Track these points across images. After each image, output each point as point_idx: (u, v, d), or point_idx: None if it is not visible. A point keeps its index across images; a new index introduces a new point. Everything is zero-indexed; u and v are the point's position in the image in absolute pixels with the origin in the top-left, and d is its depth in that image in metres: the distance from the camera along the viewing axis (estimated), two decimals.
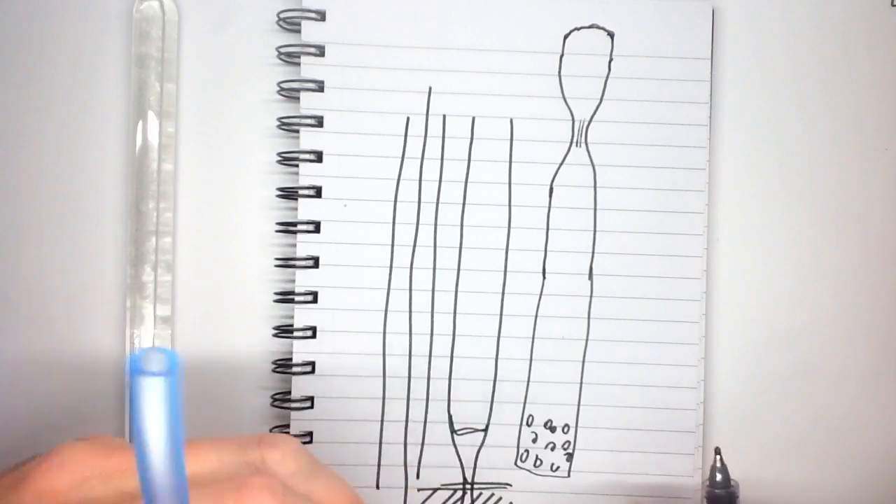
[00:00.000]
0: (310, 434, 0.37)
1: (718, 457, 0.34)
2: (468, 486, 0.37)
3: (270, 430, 0.37)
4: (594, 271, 0.37)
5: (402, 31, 0.37)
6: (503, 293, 0.37)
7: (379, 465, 0.37)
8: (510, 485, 0.37)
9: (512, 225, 0.37)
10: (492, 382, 0.37)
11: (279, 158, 0.37)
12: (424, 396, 0.37)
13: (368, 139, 0.37)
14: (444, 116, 0.37)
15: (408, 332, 0.37)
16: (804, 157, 0.38)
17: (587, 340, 0.37)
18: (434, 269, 0.37)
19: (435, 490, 0.37)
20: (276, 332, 0.37)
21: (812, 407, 0.38)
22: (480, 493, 0.37)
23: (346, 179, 0.37)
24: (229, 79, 0.37)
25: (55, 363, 0.37)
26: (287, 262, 0.37)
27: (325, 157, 0.37)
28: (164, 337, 0.37)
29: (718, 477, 0.34)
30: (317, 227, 0.37)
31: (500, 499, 0.38)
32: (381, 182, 0.37)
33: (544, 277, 0.37)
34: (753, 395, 0.38)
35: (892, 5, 0.39)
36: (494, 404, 0.37)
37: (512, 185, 0.37)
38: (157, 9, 0.37)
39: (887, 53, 0.39)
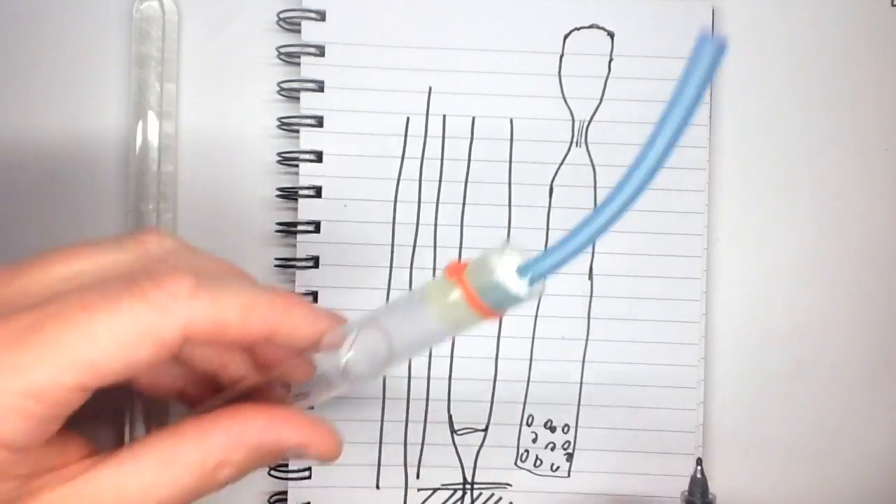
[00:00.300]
0: None
1: (699, 468, 0.34)
2: (468, 486, 0.37)
3: None
4: (594, 271, 0.37)
5: (402, 31, 0.37)
6: None
7: (379, 465, 0.37)
8: (510, 485, 0.37)
9: (512, 225, 0.37)
10: (492, 382, 0.37)
11: (279, 158, 0.37)
12: (424, 396, 0.37)
13: (368, 139, 0.37)
14: (444, 116, 0.37)
15: None
16: (804, 157, 0.38)
17: (587, 340, 0.37)
18: (434, 269, 0.37)
19: (435, 490, 0.37)
20: None
21: (811, 407, 0.38)
22: (480, 493, 0.37)
23: (346, 179, 0.37)
24: (229, 79, 0.37)
25: None
26: (287, 263, 0.37)
27: (325, 157, 0.37)
28: None
29: (697, 489, 0.34)
30: (317, 227, 0.37)
31: (500, 499, 0.38)
32: (381, 182, 0.37)
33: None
34: (753, 395, 0.38)
35: (893, 5, 0.39)
36: (494, 404, 0.37)
37: (512, 185, 0.37)
38: (157, 9, 0.37)
39: (887, 53, 0.39)
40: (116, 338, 0.21)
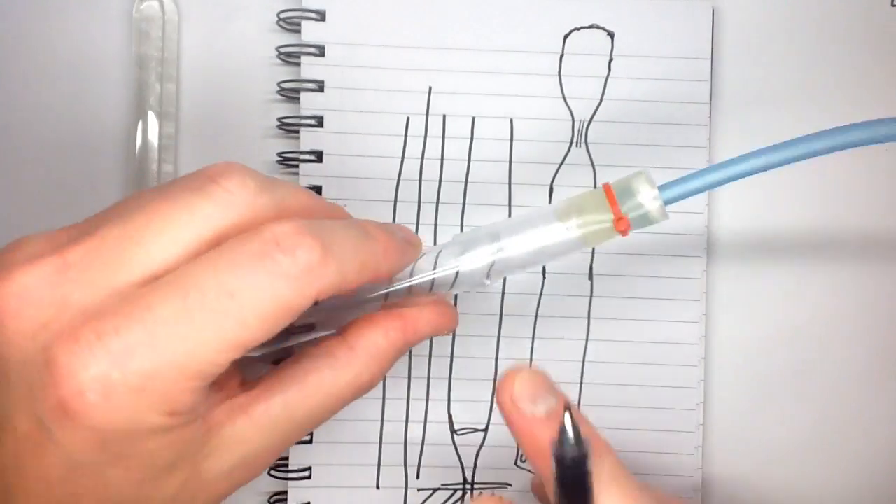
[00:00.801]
0: (310, 434, 0.37)
1: (567, 412, 0.25)
2: (468, 486, 0.37)
3: None
4: (594, 271, 0.37)
5: (402, 31, 0.37)
6: (503, 293, 0.37)
7: (379, 465, 0.37)
8: (510, 485, 0.37)
9: None
10: (492, 382, 0.37)
11: (279, 158, 0.37)
12: (424, 396, 0.37)
13: (368, 139, 0.37)
14: (444, 116, 0.37)
15: None
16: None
17: (587, 340, 0.37)
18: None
19: (435, 490, 0.37)
20: None
21: (812, 407, 0.38)
22: (480, 494, 0.37)
23: (346, 179, 0.37)
24: (229, 79, 0.37)
25: None
26: None
27: (325, 157, 0.37)
28: None
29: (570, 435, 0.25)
30: None
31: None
32: (381, 182, 0.37)
33: (544, 277, 0.37)
34: (753, 395, 0.38)
35: (893, 5, 0.39)
36: (494, 404, 0.37)
37: (512, 185, 0.37)
38: (157, 9, 0.37)
39: (887, 53, 0.39)
40: (262, 318, 0.23)
